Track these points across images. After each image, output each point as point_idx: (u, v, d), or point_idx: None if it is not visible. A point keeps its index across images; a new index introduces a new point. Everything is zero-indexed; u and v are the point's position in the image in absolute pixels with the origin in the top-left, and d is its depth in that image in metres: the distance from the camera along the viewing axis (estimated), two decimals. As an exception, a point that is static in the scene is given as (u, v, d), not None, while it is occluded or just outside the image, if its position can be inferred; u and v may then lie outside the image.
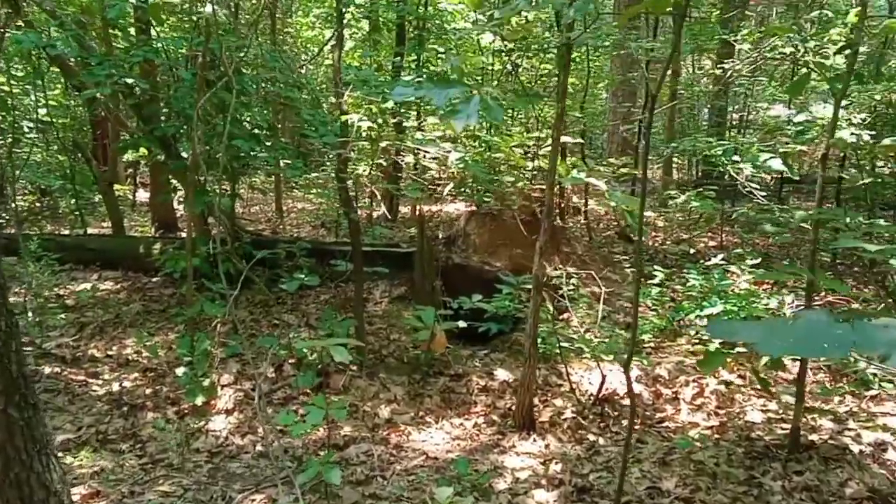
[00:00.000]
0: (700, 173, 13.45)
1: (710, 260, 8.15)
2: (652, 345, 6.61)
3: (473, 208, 8.06)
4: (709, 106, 15.36)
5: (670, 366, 6.13)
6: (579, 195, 11.79)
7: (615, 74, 13.08)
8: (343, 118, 4.85)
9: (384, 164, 6.46)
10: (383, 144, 4.76)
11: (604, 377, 5.30)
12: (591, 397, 5.51)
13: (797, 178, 7.76)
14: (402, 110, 5.65)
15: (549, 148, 5.01)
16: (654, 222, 12.28)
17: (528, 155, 6.58)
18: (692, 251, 8.99)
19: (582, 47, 9.20)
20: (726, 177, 8.65)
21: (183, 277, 6.20)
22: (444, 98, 2.82)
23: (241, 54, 6.32)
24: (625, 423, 4.94)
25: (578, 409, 5.19)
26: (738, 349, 5.92)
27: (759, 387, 5.63)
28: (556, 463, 4.43)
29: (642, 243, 5.41)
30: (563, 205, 9.22)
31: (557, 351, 6.04)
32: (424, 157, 5.26)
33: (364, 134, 5.32)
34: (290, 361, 5.79)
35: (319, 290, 8.09)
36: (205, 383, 5.05)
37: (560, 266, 8.13)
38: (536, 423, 4.76)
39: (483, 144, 4.97)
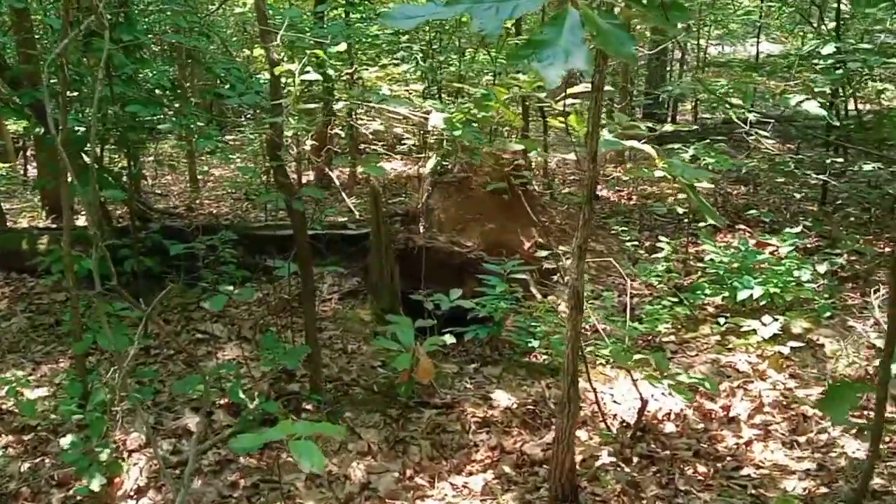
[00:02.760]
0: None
1: (703, 221, 6.95)
2: (672, 339, 5.37)
3: (434, 177, 6.63)
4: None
5: (705, 368, 4.90)
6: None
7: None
8: (279, 70, 3.33)
9: (329, 127, 4.97)
10: (339, 105, 3.29)
11: (644, 402, 4.01)
12: (624, 424, 4.24)
13: (836, 124, 6.59)
14: (359, 55, 4.15)
15: (566, 102, 3.63)
16: (616, 175, 11.10)
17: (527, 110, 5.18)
18: (681, 210, 7.77)
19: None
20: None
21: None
22: (504, 16, 1.39)
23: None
24: (685, 468, 3.68)
25: (616, 449, 3.91)
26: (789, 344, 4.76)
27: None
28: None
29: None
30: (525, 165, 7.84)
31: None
32: (392, 120, 3.83)
33: (300, 91, 3.81)
34: (222, 402, 4.33)
35: (253, 285, 6.60)
36: (103, 455, 3.57)
37: (539, 238, 6.82)
38: (579, 491, 3.44)
39: (470, 98, 3.55)
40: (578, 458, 3.86)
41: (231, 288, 4.22)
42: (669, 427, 4.21)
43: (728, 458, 3.77)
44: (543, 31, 1.38)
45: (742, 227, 7.47)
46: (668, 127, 3.70)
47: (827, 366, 4.93)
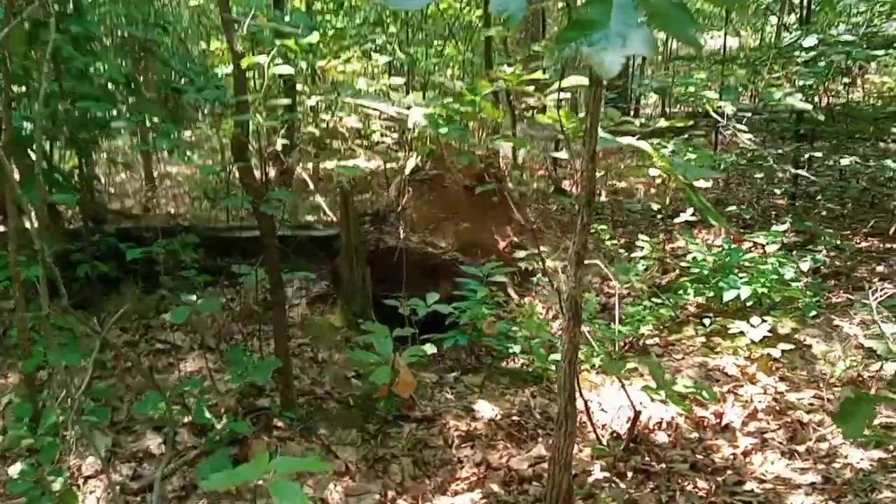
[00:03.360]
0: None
1: (677, 217, 6.81)
2: (657, 341, 5.18)
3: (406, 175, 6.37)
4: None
5: (693, 372, 4.72)
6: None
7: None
8: (246, 62, 3.04)
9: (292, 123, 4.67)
10: (312, 102, 3.02)
11: (637, 412, 3.81)
12: (615, 435, 4.04)
13: (820, 119, 6.44)
14: (326, 48, 3.85)
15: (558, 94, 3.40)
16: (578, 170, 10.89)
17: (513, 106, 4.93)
18: (656, 207, 7.61)
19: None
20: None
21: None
22: None
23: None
24: (684, 484, 3.48)
25: (609, 462, 3.70)
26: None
27: (822, 394, 4.32)
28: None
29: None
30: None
31: (552, 368, 4.53)
32: (369, 117, 3.56)
33: (269, 86, 3.51)
34: (186, 419, 4.02)
35: (215, 289, 6.27)
36: (56, 484, 3.26)
37: (514, 238, 6.61)
38: (577, 512, 3.22)
39: (451, 94, 3.28)
40: (577, 482, 3.65)
41: (194, 298, 3.91)
42: (661, 437, 4.01)
43: (727, 471, 3.58)
44: (589, 10, 1.14)
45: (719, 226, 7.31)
46: (662, 122, 3.50)
47: (816, 367, 4.78)
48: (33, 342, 3.85)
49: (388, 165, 6.09)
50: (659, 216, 8.25)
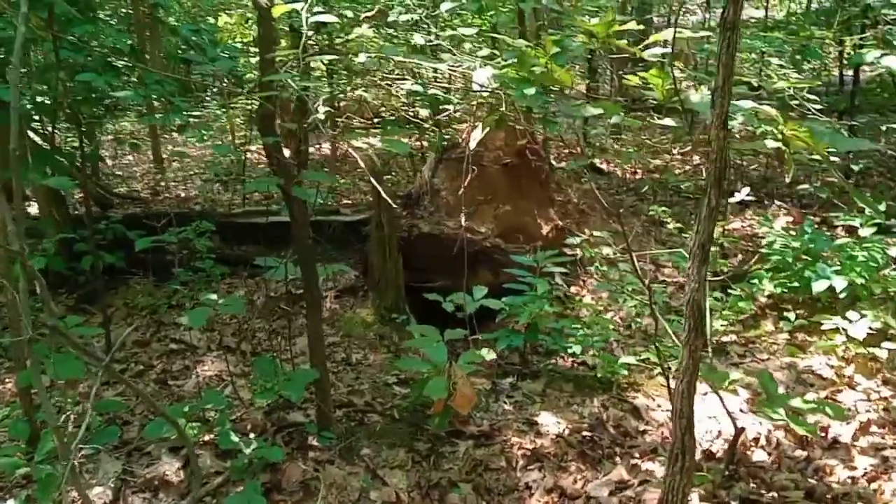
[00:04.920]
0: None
1: (734, 196, 6.18)
2: (733, 338, 4.59)
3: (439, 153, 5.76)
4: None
5: (782, 375, 4.13)
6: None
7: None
8: (278, 10, 2.44)
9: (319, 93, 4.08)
10: (362, 59, 2.42)
11: (739, 430, 3.22)
12: (707, 454, 3.46)
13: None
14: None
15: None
16: (609, 147, 10.30)
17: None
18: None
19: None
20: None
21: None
22: None
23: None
24: (805, 519, 2.91)
25: (708, 491, 3.12)
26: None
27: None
28: None
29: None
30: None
31: (625, 372, 3.96)
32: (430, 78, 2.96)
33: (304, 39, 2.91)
34: (207, 437, 3.46)
35: (233, 280, 5.73)
36: (55, 525, 2.71)
37: (559, 221, 6.01)
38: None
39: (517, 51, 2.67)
40: None
41: (214, 296, 3.35)
42: (760, 455, 3.44)
43: (854, 502, 3.00)
44: None
45: (780, 203, 6.70)
46: (782, 83, 2.90)
47: (920, 368, 4.20)
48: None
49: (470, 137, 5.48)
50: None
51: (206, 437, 3.45)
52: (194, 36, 5.78)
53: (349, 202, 7.45)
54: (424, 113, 4.76)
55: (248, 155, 7.92)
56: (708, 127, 2.89)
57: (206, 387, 4.16)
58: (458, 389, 3.23)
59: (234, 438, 3.03)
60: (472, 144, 2.76)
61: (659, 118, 2.81)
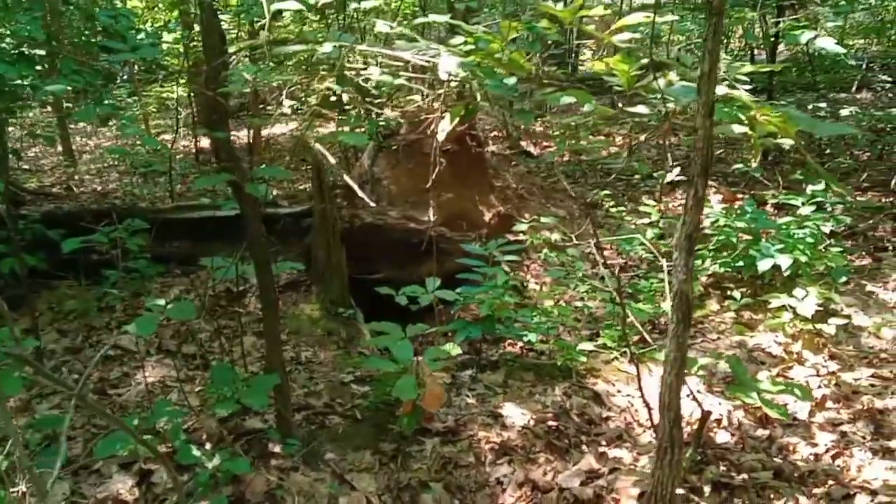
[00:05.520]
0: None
1: (667, 175, 6.29)
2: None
3: (378, 141, 5.63)
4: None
5: (731, 354, 4.19)
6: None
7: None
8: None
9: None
10: (327, 49, 2.28)
11: (706, 413, 3.23)
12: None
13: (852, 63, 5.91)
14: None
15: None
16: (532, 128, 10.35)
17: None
18: (635, 165, 7.07)
19: None
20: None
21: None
22: None
23: None
24: (779, 500, 2.94)
25: (679, 476, 3.12)
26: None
27: (880, 373, 3.86)
28: None
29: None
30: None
31: (583, 359, 3.94)
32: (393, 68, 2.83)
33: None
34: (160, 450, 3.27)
35: (165, 279, 5.48)
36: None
37: (500, 207, 5.97)
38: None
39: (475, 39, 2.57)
40: (635, 490, 3.08)
41: (162, 302, 3.15)
42: (724, 436, 3.48)
43: (823, 480, 3.06)
44: None
45: (709, 183, 6.81)
46: (748, 67, 2.89)
47: (861, 340, 4.33)
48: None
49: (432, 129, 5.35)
50: (636, 177, 7.74)
51: (160, 449, 3.26)
52: (113, 21, 5.48)
53: (281, 193, 7.24)
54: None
55: (171, 145, 7.60)
56: (671, 116, 2.87)
57: (150, 394, 3.96)
58: (427, 388, 3.14)
59: (196, 452, 2.86)
60: (441, 136, 2.66)
61: (626, 107, 2.76)
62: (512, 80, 2.33)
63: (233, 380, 3.11)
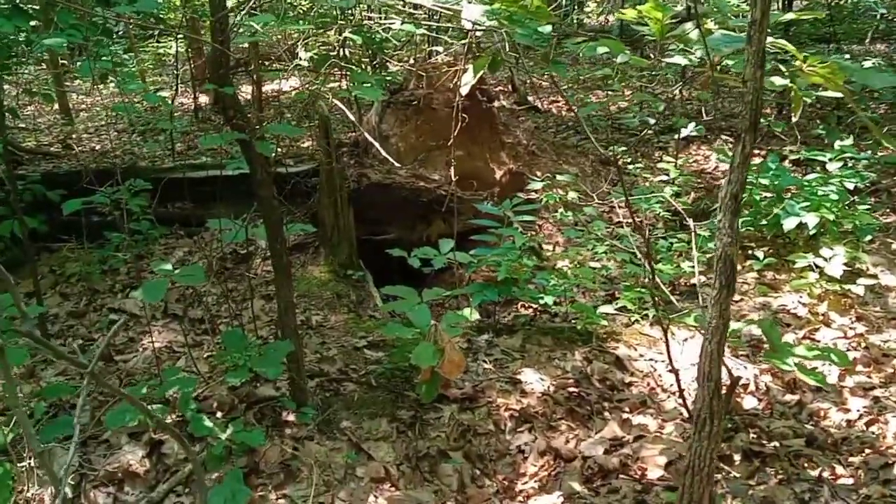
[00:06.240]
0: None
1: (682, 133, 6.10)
2: (703, 280, 4.50)
3: (386, 96, 5.44)
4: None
5: (756, 316, 4.07)
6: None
7: None
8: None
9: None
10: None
11: (735, 379, 3.11)
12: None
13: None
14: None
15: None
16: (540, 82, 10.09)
17: None
18: (652, 121, 6.88)
19: None
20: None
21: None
22: None
23: None
24: (814, 469, 2.83)
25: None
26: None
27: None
28: None
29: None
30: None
31: (604, 323, 3.83)
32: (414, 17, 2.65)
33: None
34: (169, 418, 3.16)
35: (168, 241, 5.35)
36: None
37: (511, 164, 5.80)
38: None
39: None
40: (662, 459, 2.97)
41: (169, 267, 3.01)
42: (751, 402, 3.37)
43: (858, 448, 2.95)
44: None
45: (725, 137, 6.65)
46: (790, 15, 2.70)
47: (888, 301, 4.21)
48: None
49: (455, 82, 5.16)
50: (648, 132, 7.54)
51: (170, 418, 3.16)
52: (108, -27, 5.25)
53: (282, 151, 7.05)
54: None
55: (171, 101, 7.39)
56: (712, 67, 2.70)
57: (158, 360, 3.85)
58: (447, 356, 3.01)
59: (208, 423, 2.75)
60: (465, 90, 2.50)
61: (659, 58, 2.59)
62: (547, 29, 2.16)
63: (244, 347, 2.99)
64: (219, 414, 3.20)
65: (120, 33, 11.79)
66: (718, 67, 2.78)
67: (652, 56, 2.82)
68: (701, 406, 2.27)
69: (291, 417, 3.16)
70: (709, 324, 2.22)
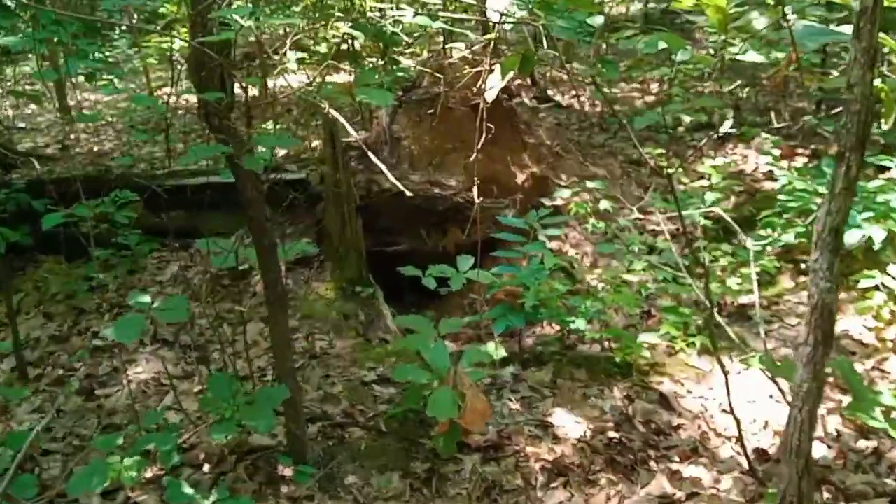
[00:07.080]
0: None
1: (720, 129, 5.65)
2: (750, 300, 4.05)
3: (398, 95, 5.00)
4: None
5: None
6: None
7: None
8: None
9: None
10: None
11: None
12: (761, 453, 2.92)
13: None
14: None
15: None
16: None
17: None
18: (688, 119, 6.40)
19: None
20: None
21: None
22: None
23: None
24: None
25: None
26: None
27: None
28: None
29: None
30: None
31: (646, 354, 3.38)
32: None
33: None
34: (147, 474, 2.74)
35: (162, 253, 4.94)
36: None
37: (533, 167, 5.36)
38: None
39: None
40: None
41: (147, 299, 2.59)
42: (820, 449, 2.91)
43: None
44: None
45: (766, 136, 6.14)
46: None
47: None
48: None
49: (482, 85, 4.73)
50: (680, 129, 7.05)
51: (148, 473, 2.75)
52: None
53: (286, 154, 6.63)
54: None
55: (172, 100, 6.98)
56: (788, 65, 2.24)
57: (143, 394, 3.44)
58: (468, 403, 2.57)
59: (188, 490, 2.33)
60: (492, 95, 2.07)
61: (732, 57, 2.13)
62: (599, 20, 1.72)
63: (233, 393, 2.56)
64: (206, 467, 2.78)
65: (124, 28, 11.42)
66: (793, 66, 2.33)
67: (709, 51, 2.37)
68: (787, 486, 1.83)
69: (289, 472, 2.74)
70: (798, 387, 1.77)
